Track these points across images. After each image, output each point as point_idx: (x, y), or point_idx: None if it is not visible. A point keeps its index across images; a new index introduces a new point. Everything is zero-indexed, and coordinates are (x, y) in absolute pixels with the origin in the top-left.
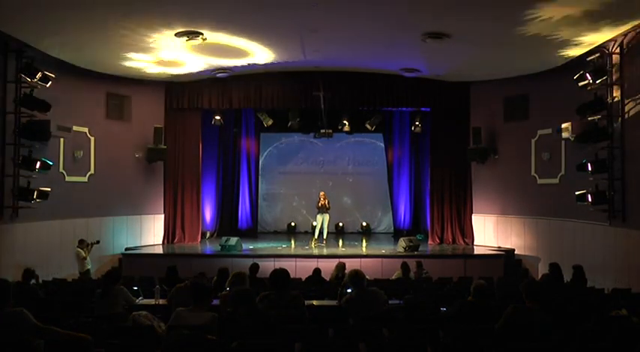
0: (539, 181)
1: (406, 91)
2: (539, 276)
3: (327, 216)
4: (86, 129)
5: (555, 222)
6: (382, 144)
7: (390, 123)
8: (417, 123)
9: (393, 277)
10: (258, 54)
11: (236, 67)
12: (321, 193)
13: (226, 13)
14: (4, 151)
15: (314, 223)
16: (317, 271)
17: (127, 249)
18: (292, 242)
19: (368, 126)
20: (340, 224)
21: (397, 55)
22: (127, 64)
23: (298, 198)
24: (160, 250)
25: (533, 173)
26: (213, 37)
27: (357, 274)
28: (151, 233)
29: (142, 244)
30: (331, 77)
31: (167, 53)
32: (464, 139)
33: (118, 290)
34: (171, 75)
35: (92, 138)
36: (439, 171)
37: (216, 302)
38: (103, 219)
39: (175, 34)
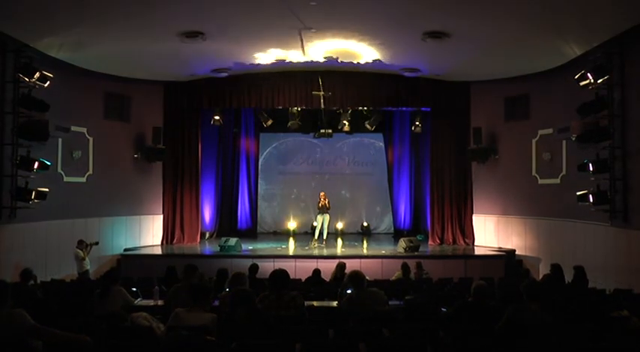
0: (540, 181)
1: (406, 91)
2: (540, 277)
3: (327, 217)
4: (84, 130)
5: (556, 223)
6: (382, 144)
7: (390, 123)
8: (417, 123)
9: (393, 278)
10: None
11: (236, 66)
12: (322, 193)
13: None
14: (2, 151)
15: (314, 224)
16: (317, 272)
17: (125, 250)
18: (292, 242)
19: (368, 126)
20: (340, 224)
21: (397, 55)
22: None
23: (298, 199)
24: (158, 251)
25: (534, 173)
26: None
27: (356, 275)
28: (149, 233)
29: (141, 245)
30: (331, 77)
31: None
32: (464, 139)
33: (116, 291)
34: (170, 74)
35: (91, 139)
36: (439, 171)
37: (215, 302)
38: (102, 220)
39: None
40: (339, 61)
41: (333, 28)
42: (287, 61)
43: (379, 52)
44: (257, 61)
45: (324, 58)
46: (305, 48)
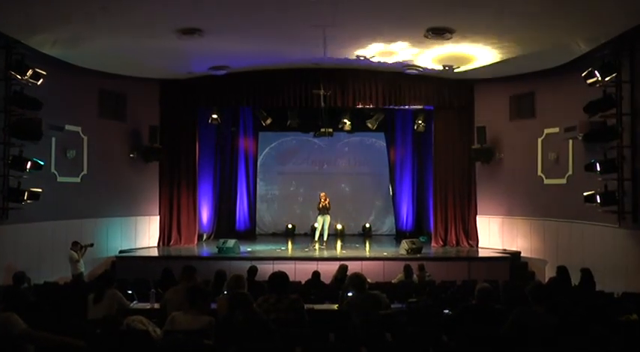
0: (546, 181)
1: (409, 89)
2: (547, 280)
3: (327, 218)
4: (79, 129)
5: (563, 224)
6: (384, 144)
7: (392, 122)
8: (419, 122)
9: (395, 280)
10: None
11: (234, 63)
12: (322, 194)
13: None
14: None
15: (315, 225)
16: (317, 274)
17: (121, 252)
18: (291, 244)
19: (369, 125)
20: (341, 226)
21: (398, 52)
22: None
23: (297, 199)
24: (155, 252)
25: (539, 173)
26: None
27: (357, 277)
28: (145, 235)
29: (137, 246)
30: (331, 75)
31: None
32: (468, 138)
33: (111, 294)
34: (167, 72)
35: (85, 138)
36: (443, 172)
37: (213, 305)
38: (97, 221)
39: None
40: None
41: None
42: (287, 57)
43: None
44: (257, 59)
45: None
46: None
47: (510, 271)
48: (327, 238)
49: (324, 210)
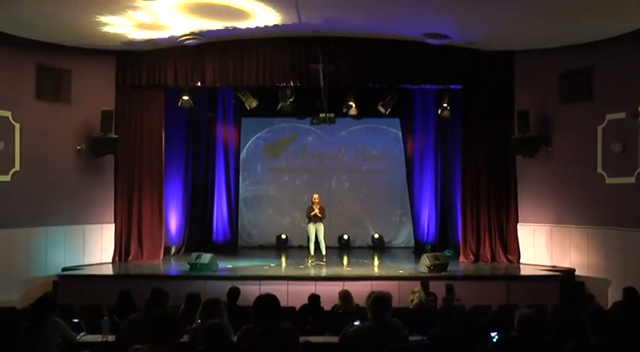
0: (608, 180)
1: (431, 64)
2: (610, 304)
3: (321, 226)
4: (8, 114)
5: (630, 234)
6: (399, 133)
7: (409, 105)
8: (444, 104)
9: (412, 298)
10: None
11: (210, 31)
12: (315, 196)
13: None
14: None
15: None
16: (315, 298)
17: (64, 269)
18: (283, 259)
19: (381, 109)
20: (345, 236)
21: (419, 15)
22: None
23: (291, 203)
24: (109, 270)
25: (599, 170)
26: None
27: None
28: (97, 248)
29: (85, 263)
30: (333, 45)
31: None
32: (506, 126)
33: (52, 324)
34: (125, 42)
35: (17, 125)
36: (474, 168)
37: (184, 338)
38: (32, 230)
39: None
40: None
41: None
42: (279, 24)
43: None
44: (238, 24)
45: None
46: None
47: (561, 293)
48: (327, 251)
49: (315, 217)
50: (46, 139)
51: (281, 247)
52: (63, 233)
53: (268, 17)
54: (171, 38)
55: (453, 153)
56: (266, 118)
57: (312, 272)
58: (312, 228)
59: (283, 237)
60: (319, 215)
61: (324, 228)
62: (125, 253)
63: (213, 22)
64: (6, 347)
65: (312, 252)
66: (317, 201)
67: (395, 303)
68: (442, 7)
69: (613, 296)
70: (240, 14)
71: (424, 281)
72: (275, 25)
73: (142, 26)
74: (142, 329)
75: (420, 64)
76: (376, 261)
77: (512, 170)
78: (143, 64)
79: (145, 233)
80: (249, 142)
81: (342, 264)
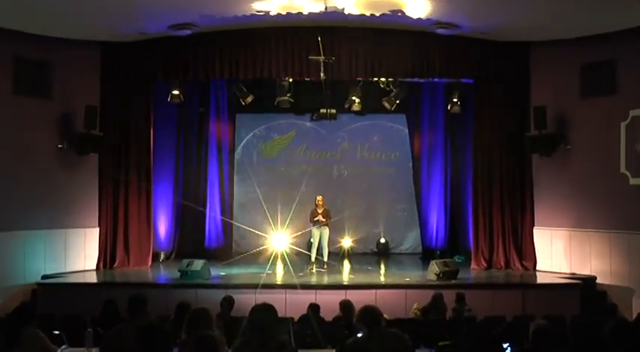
0: (633, 181)
1: (440, 56)
2: (634, 315)
3: (326, 231)
4: None
5: None
6: (406, 130)
7: (416, 100)
8: (454, 100)
9: (415, 310)
10: None
11: (202, 20)
12: (319, 198)
13: None
14: None
15: (311, 240)
16: (315, 308)
17: (44, 277)
18: (281, 266)
19: (386, 105)
20: (348, 241)
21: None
22: None
23: (289, 205)
24: (92, 278)
25: (622, 170)
26: None
27: (371, 311)
28: (80, 254)
29: (67, 270)
30: (336, 36)
31: None
32: (522, 123)
33: (30, 336)
34: (110, 32)
35: None
36: (486, 168)
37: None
38: (9, 235)
39: None
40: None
41: None
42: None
43: None
44: (233, 13)
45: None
46: None
47: (582, 303)
48: (329, 257)
49: (320, 221)
50: (25, 137)
51: (279, 253)
52: (43, 238)
53: None
54: (160, 28)
55: (464, 152)
56: (262, 114)
57: (312, 280)
58: (316, 233)
59: (281, 242)
60: (323, 219)
61: (329, 232)
62: (110, 259)
63: None
64: None
65: (314, 259)
66: (321, 203)
67: (401, 314)
68: None
69: (638, 306)
70: None
71: (437, 298)
72: (269, 15)
73: None
74: (128, 342)
75: (429, 56)
76: (381, 268)
77: (527, 170)
78: (130, 57)
79: (131, 238)
80: (244, 140)
81: (344, 271)
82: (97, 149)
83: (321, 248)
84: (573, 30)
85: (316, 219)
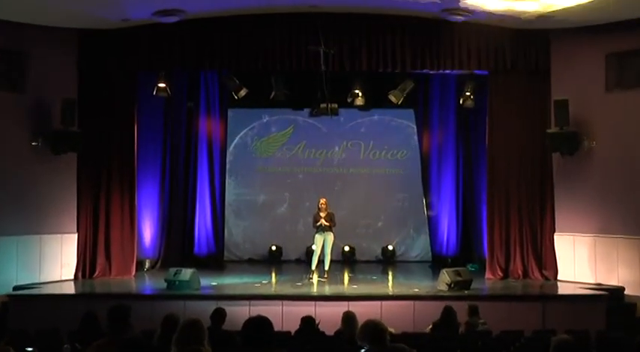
0: None
1: (451, 45)
2: None
3: (330, 237)
4: None
5: None
6: (414, 126)
7: (425, 94)
8: (467, 93)
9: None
10: None
11: (192, 5)
12: (322, 201)
13: None
14: None
15: (312, 247)
16: (313, 321)
17: (16, 288)
18: (277, 275)
19: (392, 99)
20: (349, 247)
21: None
22: None
23: (286, 209)
24: (70, 289)
25: None
26: None
27: (374, 327)
28: (56, 262)
29: (42, 280)
30: (337, 23)
31: None
32: (541, 118)
33: None
34: (89, 18)
35: None
36: (502, 167)
37: None
38: None
39: None
40: None
41: None
42: None
43: None
44: None
45: None
46: None
47: (608, 316)
48: (330, 266)
49: (324, 226)
50: None
51: (274, 261)
52: (15, 244)
53: None
54: (145, 14)
55: (477, 151)
56: (257, 109)
57: (312, 290)
58: (319, 239)
59: (275, 248)
60: (326, 223)
61: (334, 238)
62: (90, 268)
63: None
64: None
65: (314, 267)
66: (324, 206)
67: (409, 328)
68: None
69: None
70: None
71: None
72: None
73: None
74: None
75: (439, 45)
76: (389, 278)
77: (548, 170)
78: (111, 45)
79: (113, 244)
80: (237, 138)
81: (346, 280)
82: (75, 147)
83: (324, 255)
84: (598, 15)
85: (319, 223)
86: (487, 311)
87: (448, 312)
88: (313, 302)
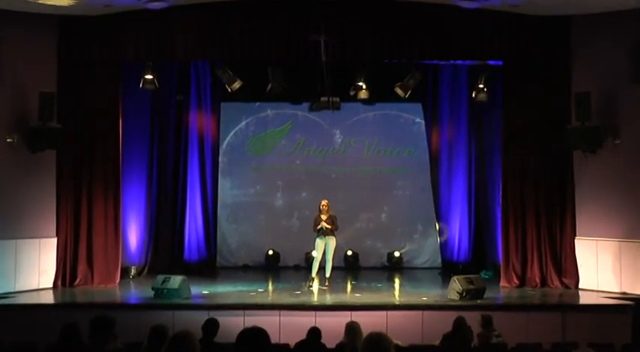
0: None
1: (463, 33)
2: None
3: (332, 241)
4: None
5: None
6: (422, 121)
7: (435, 87)
8: (480, 85)
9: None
10: None
11: None
12: (323, 202)
13: None
14: None
15: (313, 253)
16: (315, 332)
17: None
18: (274, 283)
19: (399, 92)
20: (352, 252)
21: None
22: None
23: (284, 211)
24: (49, 298)
25: None
26: None
27: (378, 340)
28: (33, 269)
29: (18, 289)
30: (339, 9)
31: None
32: (561, 113)
33: None
34: (70, 5)
35: None
36: (518, 166)
37: None
38: None
39: None
40: None
41: None
42: None
43: None
44: None
45: None
46: None
47: (634, 328)
48: (332, 273)
49: (325, 230)
50: None
51: (271, 267)
52: None
53: None
54: (130, 0)
55: (491, 148)
56: (252, 103)
57: (312, 299)
58: (319, 243)
59: (272, 253)
60: (328, 227)
61: (336, 243)
62: (71, 276)
63: None
64: None
65: (315, 274)
66: (325, 208)
67: (417, 340)
68: None
69: None
70: None
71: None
72: None
73: None
74: None
75: (450, 33)
76: (395, 286)
77: (568, 169)
78: (94, 34)
79: (96, 250)
80: (231, 134)
81: (349, 288)
82: (55, 144)
83: (325, 261)
84: (622, 1)
85: (319, 226)
86: (502, 322)
87: (459, 323)
88: (313, 312)
